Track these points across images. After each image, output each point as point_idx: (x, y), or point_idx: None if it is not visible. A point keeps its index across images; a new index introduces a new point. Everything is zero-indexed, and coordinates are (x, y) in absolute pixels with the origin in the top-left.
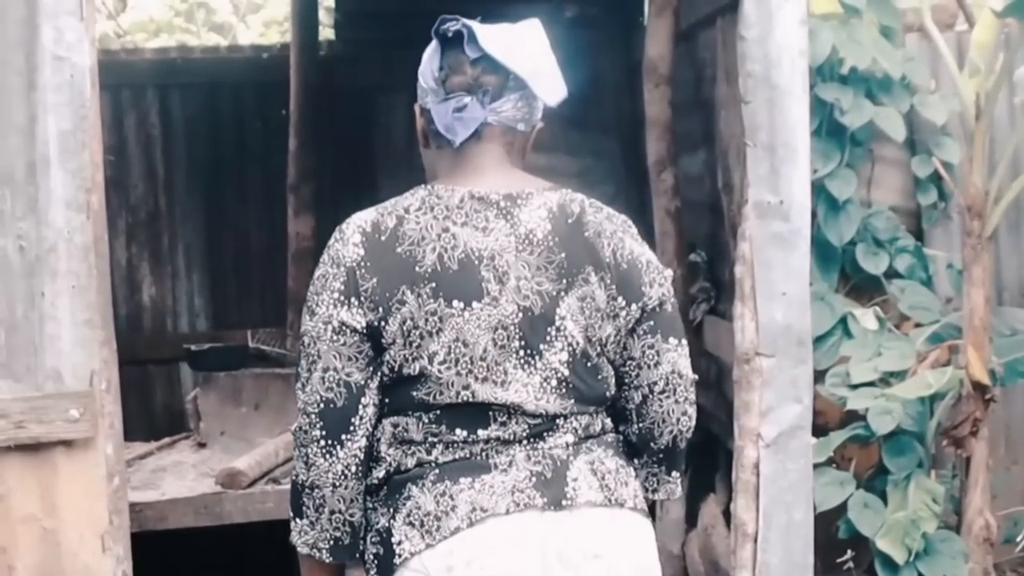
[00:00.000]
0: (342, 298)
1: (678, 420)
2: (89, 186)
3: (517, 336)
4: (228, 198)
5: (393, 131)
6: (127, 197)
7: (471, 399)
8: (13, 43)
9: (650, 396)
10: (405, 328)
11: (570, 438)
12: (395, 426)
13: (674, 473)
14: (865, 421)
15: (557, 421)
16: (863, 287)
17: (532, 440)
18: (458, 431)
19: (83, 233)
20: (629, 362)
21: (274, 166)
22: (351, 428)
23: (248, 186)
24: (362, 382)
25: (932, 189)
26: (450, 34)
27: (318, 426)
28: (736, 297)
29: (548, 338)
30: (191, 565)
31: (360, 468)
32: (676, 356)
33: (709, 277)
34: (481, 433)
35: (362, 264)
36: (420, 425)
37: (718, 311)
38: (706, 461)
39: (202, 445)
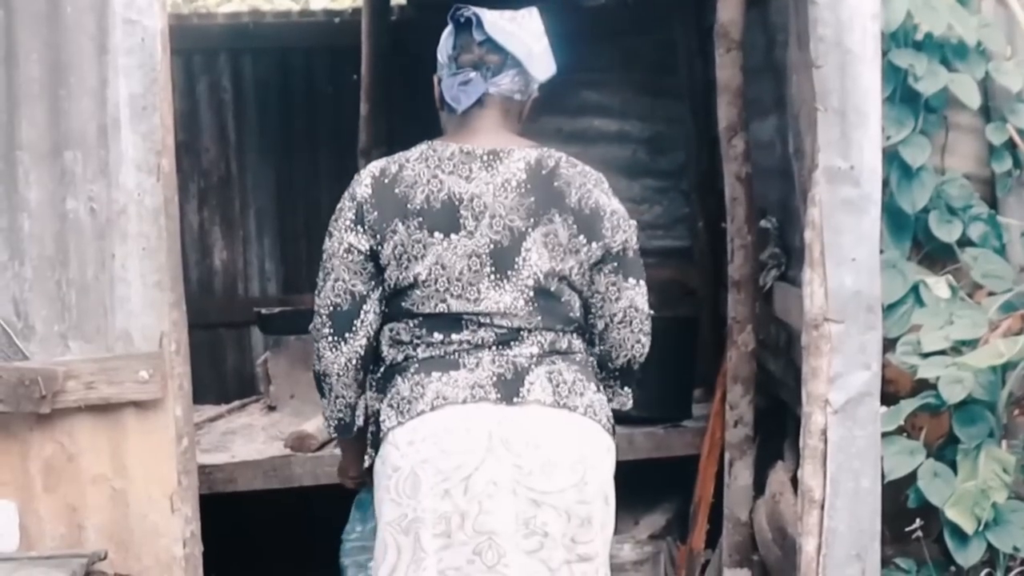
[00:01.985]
0: (352, 225)
1: (632, 347)
2: (159, 149)
3: (489, 263)
4: (299, 163)
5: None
6: (199, 161)
7: (446, 311)
8: (85, 7)
9: (610, 324)
10: (396, 252)
11: (535, 350)
12: (391, 330)
13: (626, 388)
14: (936, 390)
15: (522, 334)
16: (935, 255)
17: (499, 347)
18: (436, 334)
19: (153, 195)
20: (595, 295)
21: (345, 131)
22: (353, 328)
23: (319, 151)
24: (364, 292)
25: (1007, 156)
26: (462, 20)
27: (327, 325)
28: (805, 263)
29: (516, 265)
30: (259, 527)
31: (360, 363)
32: (634, 293)
33: (779, 243)
34: (455, 337)
35: (368, 200)
36: (407, 329)
37: (788, 277)
38: (774, 428)
39: (272, 408)
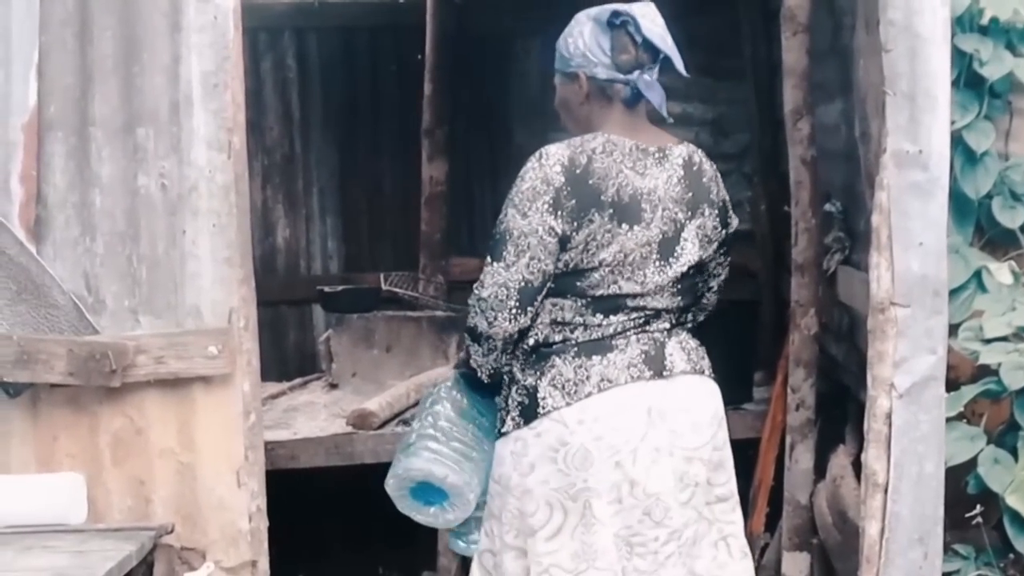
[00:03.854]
0: (551, 209)
1: (712, 307)
2: (231, 126)
3: (656, 250)
4: (362, 142)
5: (528, 76)
6: (263, 139)
7: (618, 292)
8: None
9: (708, 293)
10: (588, 238)
11: (667, 325)
12: (554, 306)
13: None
14: (997, 376)
15: (662, 313)
16: (998, 241)
17: (644, 326)
18: (597, 316)
19: (224, 172)
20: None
21: (409, 111)
22: (535, 303)
23: (382, 130)
24: (550, 272)
25: None
26: (617, 21)
27: (514, 298)
28: (872, 246)
29: (676, 253)
30: (321, 504)
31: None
32: (727, 268)
33: (843, 227)
34: (612, 319)
35: (564, 188)
36: (574, 308)
37: (852, 261)
38: (836, 412)
39: (334, 386)
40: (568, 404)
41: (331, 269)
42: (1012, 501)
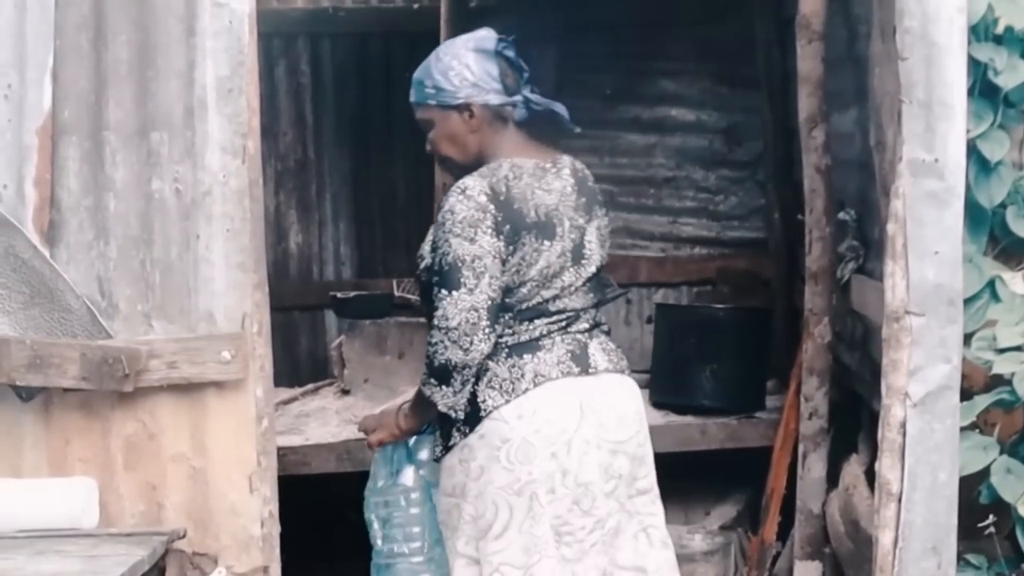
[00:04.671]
0: (494, 232)
1: (607, 299)
2: (245, 131)
3: (569, 258)
4: (375, 148)
5: (542, 82)
6: (276, 145)
7: (541, 300)
8: None
9: (605, 288)
10: (520, 260)
11: (586, 326)
12: None
13: None
14: (1010, 386)
15: (580, 314)
16: (1012, 250)
17: (566, 327)
18: (524, 323)
19: (238, 177)
20: None
21: None
22: (499, 320)
23: (395, 136)
24: (504, 287)
25: None
26: (502, 48)
27: (486, 318)
28: (887, 255)
29: (585, 256)
30: (332, 510)
31: None
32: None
33: (857, 235)
34: (537, 322)
35: (496, 214)
36: (502, 321)
37: (866, 270)
38: (849, 421)
39: (346, 392)
40: (507, 401)
41: (344, 275)
42: None
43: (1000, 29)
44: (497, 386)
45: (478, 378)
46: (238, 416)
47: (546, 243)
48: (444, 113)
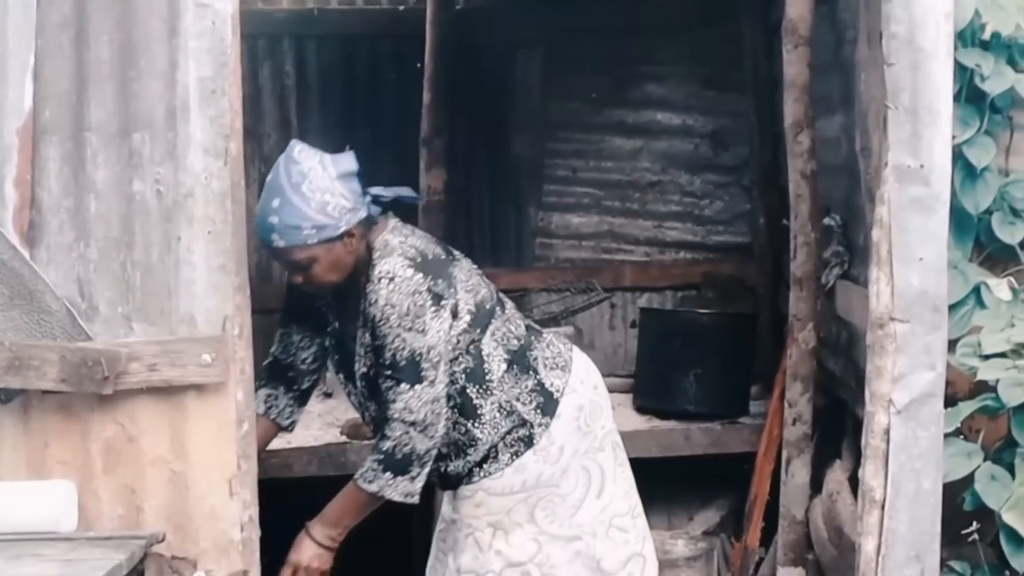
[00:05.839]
0: (435, 309)
1: None
2: (227, 132)
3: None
4: (360, 150)
5: (528, 86)
6: (260, 147)
7: (504, 299)
8: None
9: None
10: (466, 289)
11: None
12: (493, 335)
13: None
14: (995, 392)
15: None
16: (998, 257)
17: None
18: (516, 318)
19: (220, 179)
20: None
21: (407, 119)
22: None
23: (381, 139)
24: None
25: None
26: (356, 167)
27: (444, 404)
28: (872, 261)
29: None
30: (314, 514)
31: None
32: None
33: (843, 241)
34: (518, 314)
35: (428, 280)
36: (501, 321)
37: (851, 276)
38: (833, 427)
39: (328, 395)
40: (567, 372)
41: None
42: (1008, 518)
43: (987, 35)
44: (553, 364)
45: (534, 369)
46: (218, 419)
47: (474, 273)
48: (327, 247)
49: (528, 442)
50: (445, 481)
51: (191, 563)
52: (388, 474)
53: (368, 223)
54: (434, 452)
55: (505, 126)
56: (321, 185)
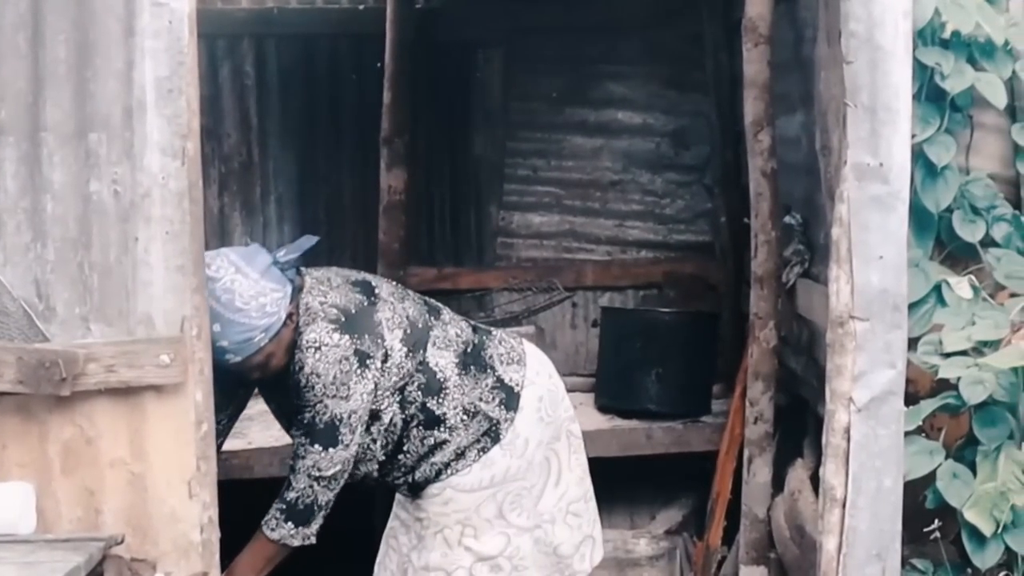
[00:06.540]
0: (360, 370)
1: None
2: (185, 132)
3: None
4: (321, 150)
5: (489, 86)
6: (220, 146)
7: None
8: None
9: None
10: (402, 323)
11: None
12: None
13: None
14: (956, 390)
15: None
16: (958, 255)
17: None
18: (460, 318)
19: (178, 179)
20: None
21: (368, 119)
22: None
23: (341, 138)
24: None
25: None
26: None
27: (352, 462)
28: (832, 260)
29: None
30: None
31: None
32: None
33: (803, 240)
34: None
35: (352, 340)
36: (463, 330)
37: (811, 274)
38: (794, 425)
39: None
40: (523, 365)
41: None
42: (970, 516)
43: (947, 34)
44: (508, 359)
45: (491, 367)
46: (177, 420)
47: (403, 298)
48: (277, 339)
49: (495, 437)
50: (414, 488)
51: (151, 565)
52: (290, 524)
53: (295, 292)
54: (334, 499)
55: (466, 125)
56: (251, 291)
